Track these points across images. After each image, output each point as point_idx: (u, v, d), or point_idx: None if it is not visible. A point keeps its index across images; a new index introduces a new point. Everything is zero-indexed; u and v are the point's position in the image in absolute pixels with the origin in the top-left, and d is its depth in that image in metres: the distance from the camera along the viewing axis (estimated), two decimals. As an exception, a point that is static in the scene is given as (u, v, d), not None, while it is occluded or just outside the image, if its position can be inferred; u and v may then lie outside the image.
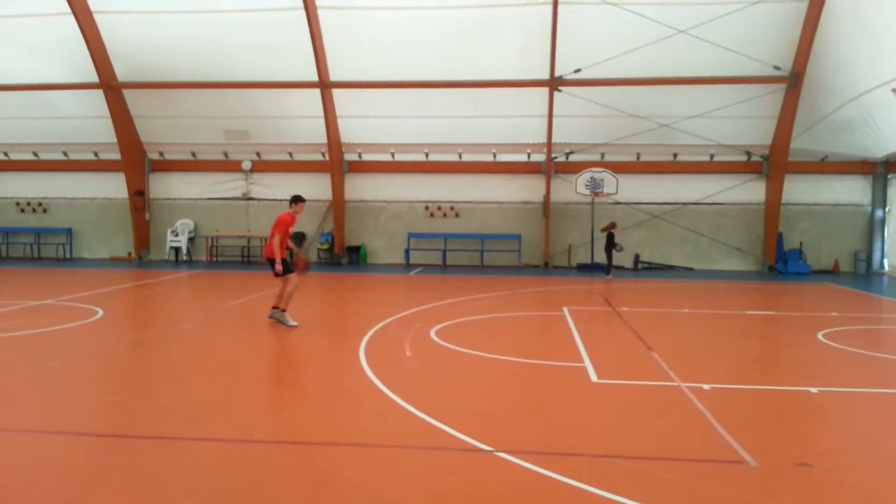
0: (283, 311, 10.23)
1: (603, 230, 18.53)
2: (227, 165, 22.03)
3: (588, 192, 19.86)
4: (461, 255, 21.58)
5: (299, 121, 20.88)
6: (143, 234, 22.37)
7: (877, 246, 20.08)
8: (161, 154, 22.30)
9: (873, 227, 20.12)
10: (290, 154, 21.87)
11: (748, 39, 17.60)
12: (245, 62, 19.52)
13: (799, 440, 5.53)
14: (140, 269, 19.54)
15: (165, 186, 22.47)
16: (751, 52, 17.70)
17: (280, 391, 6.85)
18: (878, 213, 19.99)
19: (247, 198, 22.20)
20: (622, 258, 20.46)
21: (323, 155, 21.51)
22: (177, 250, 21.92)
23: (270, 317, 10.31)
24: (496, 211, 21.61)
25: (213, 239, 22.08)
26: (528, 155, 21.07)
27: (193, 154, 22.16)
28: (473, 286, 15.90)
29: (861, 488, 4.58)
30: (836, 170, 20.12)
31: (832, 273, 19.83)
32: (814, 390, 6.92)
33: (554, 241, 21.13)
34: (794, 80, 18.21)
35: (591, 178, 19.81)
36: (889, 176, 19.77)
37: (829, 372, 7.98)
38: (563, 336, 9.82)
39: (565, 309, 12.26)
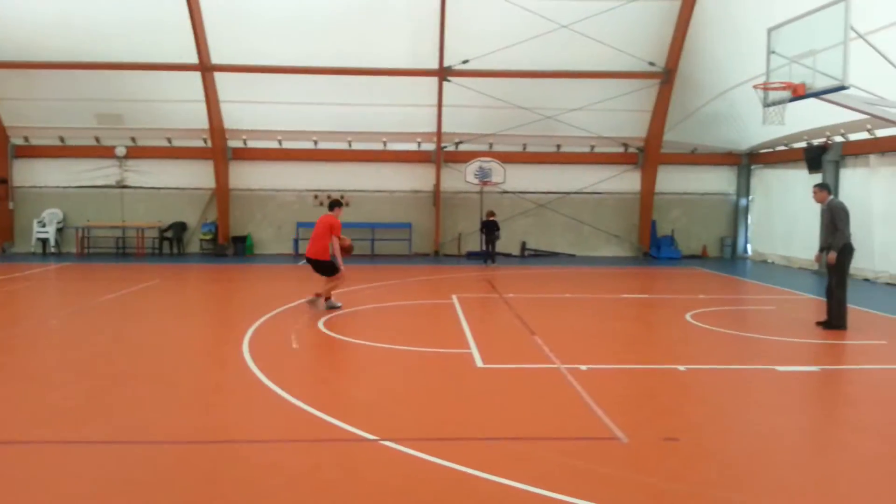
0: (327, 298, 10.75)
1: (489, 218, 18.95)
2: (100, 151, 20.66)
3: (477, 182, 20.21)
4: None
5: (179, 105, 19.88)
6: (7, 225, 20.61)
7: (741, 232, 21.72)
8: (26, 139, 20.58)
9: (738, 215, 21.73)
10: (169, 140, 20.81)
11: (626, 36, 18.44)
12: (119, 42, 18.31)
13: (667, 416, 5.91)
14: (3, 263, 18.01)
15: (31, 174, 20.77)
16: (628, 48, 18.57)
17: (157, 389, 6.55)
18: (743, 201, 21.62)
19: (121, 186, 20.95)
20: (509, 246, 21.02)
21: (205, 141, 20.62)
22: (44, 242, 20.36)
23: (328, 307, 10.73)
24: (387, 200, 21.57)
25: (84, 230, 20.68)
26: (419, 144, 21.16)
27: (62, 139, 20.60)
28: (364, 275, 15.82)
29: (722, 458, 4.96)
30: (705, 161, 21.55)
31: (701, 258, 21.27)
32: (681, 368, 7.43)
33: (444, 230, 21.37)
34: (666, 76, 19.30)
35: (480, 167, 20.16)
36: (752, 167, 21.40)
37: (695, 351, 8.59)
38: (452, 323, 9.99)
39: (454, 297, 12.46)
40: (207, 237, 20.89)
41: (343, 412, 5.69)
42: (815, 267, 16.79)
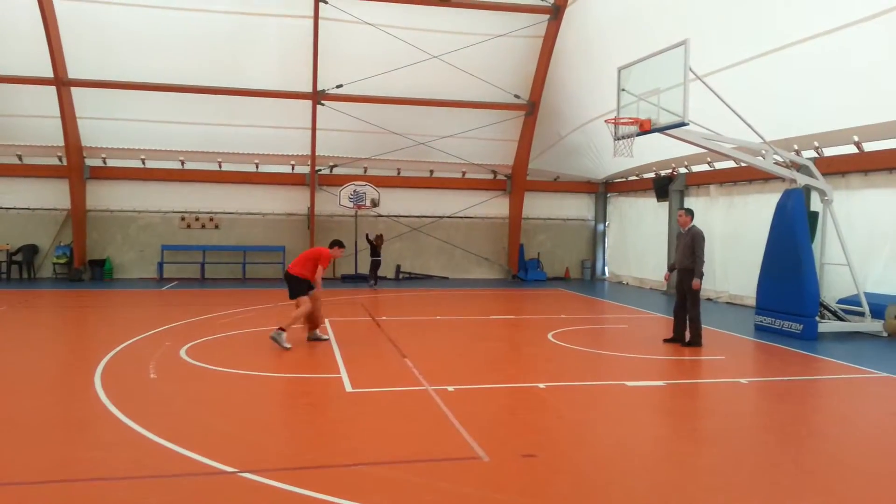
0: (281, 330, 9.98)
1: (376, 241, 19.05)
2: (-63, 169, 18.88)
3: (352, 205, 20.25)
4: (221, 268, 20.72)
5: (31, 120, 18.63)
6: None
7: (599, 255, 23.13)
8: None
9: (596, 239, 23.14)
10: (20, 157, 19.34)
11: (493, 69, 19.31)
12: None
13: (527, 433, 6.20)
14: None
15: None
16: (495, 80, 19.43)
17: (-4, 428, 6.07)
18: (600, 226, 23.06)
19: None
20: (384, 269, 21.18)
21: (60, 159, 19.32)
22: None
23: (309, 339, 10.43)
24: (259, 222, 21.12)
25: (-87, 253, 18.69)
26: (293, 167, 20.93)
27: None
28: (233, 300, 15.37)
29: (577, 472, 5.28)
30: (567, 188, 22.85)
31: (564, 279, 22.42)
32: (541, 385, 7.82)
33: (318, 253, 21.15)
34: (531, 108, 20.34)
35: (355, 191, 20.25)
36: (608, 195, 22.91)
37: (554, 368, 9.06)
38: (323, 348, 9.94)
39: (326, 321, 12.38)
40: (62, 261, 19.50)
41: (200, 445, 5.54)
42: (665, 287, 18.21)
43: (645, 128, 11.06)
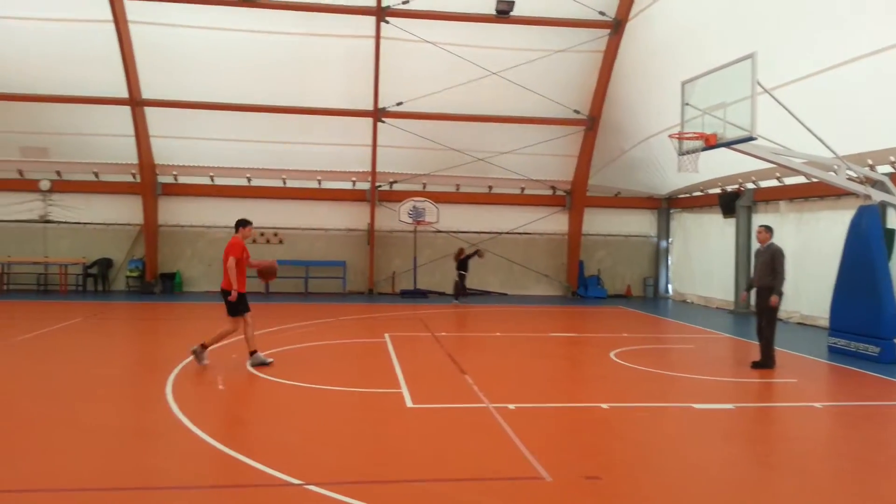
0: (253, 352, 9.49)
1: (467, 257, 19.13)
2: (22, 185, 19.98)
3: (411, 221, 20.45)
4: (285, 283, 21.14)
5: (107, 139, 19.50)
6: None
7: (662, 273, 22.62)
8: (-58, 172, 19.75)
9: (659, 256, 22.65)
10: (97, 174, 20.30)
11: (553, 84, 19.24)
12: (46, 73, 17.95)
13: (590, 454, 6.10)
14: None
15: (-56, 207, 19.90)
16: (554, 95, 19.35)
17: (73, 434, 6.34)
18: (663, 243, 22.58)
19: (45, 220, 20.22)
20: (443, 285, 21.27)
21: (133, 176, 20.20)
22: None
23: (251, 365, 9.42)
24: (321, 238, 21.53)
25: (3, 266, 19.77)
26: (354, 183, 21.30)
27: (-19, 173, 19.85)
28: (297, 314, 15.68)
29: (641, 495, 5.15)
30: (628, 204, 22.49)
31: (625, 297, 22.01)
32: (604, 406, 7.69)
33: (378, 268, 21.44)
34: (591, 123, 20.16)
35: (414, 207, 20.45)
36: (671, 211, 22.43)
37: (617, 388, 8.89)
38: (383, 362, 10.03)
39: (387, 335, 12.51)
40: (134, 274, 20.31)
41: (268, 456, 5.65)
42: (732, 307, 17.67)
43: (711, 142, 10.82)
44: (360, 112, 19.58)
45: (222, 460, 5.63)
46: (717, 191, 18.73)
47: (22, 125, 18.94)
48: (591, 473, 5.51)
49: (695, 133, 11.22)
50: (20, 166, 19.91)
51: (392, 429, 6.77)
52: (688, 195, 20.99)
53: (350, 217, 21.48)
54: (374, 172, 20.74)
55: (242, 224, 9.85)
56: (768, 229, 10.29)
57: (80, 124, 19.16)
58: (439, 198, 20.99)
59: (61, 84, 18.19)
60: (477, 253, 19.35)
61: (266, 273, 10.25)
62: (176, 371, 8.98)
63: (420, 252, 21.25)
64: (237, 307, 9.51)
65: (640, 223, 22.74)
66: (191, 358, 9.51)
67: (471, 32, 18.23)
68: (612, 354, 10.95)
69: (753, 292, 10.35)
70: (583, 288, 21.75)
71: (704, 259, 20.05)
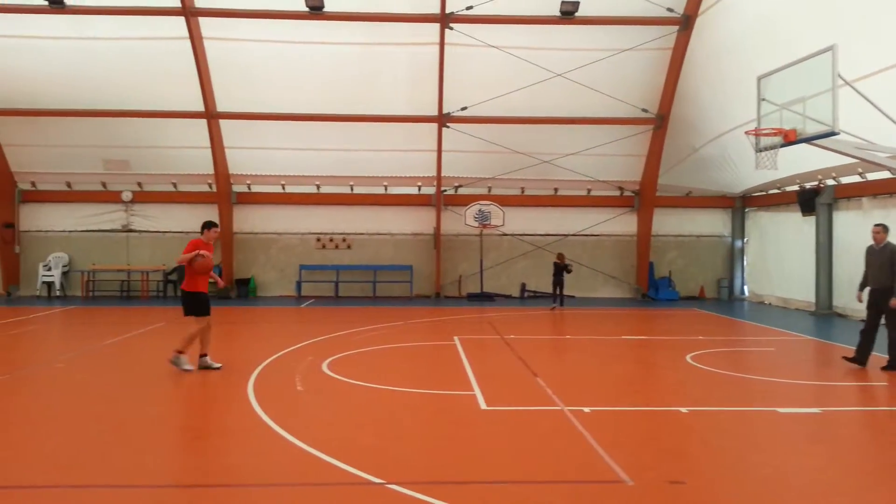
0: (181, 353, 9.44)
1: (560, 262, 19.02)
2: (106, 196, 21.01)
3: (476, 224, 20.49)
4: (354, 287, 21.56)
5: (184, 151, 20.30)
6: (13, 269, 20.82)
7: (737, 273, 21.90)
8: (33, 184, 20.95)
9: (734, 257, 21.95)
10: (175, 185, 21.17)
11: (619, 83, 18.93)
12: (126, 90, 18.82)
13: (672, 458, 5.97)
14: (9, 306, 18.15)
15: (37, 218, 21.09)
16: (621, 95, 19.05)
17: (163, 433, 6.64)
18: (738, 243, 21.86)
19: (127, 230, 21.22)
20: (509, 287, 21.21)
21: (210, 186, 20.97)
22: (49, 285, 20.53)
23: (200, 367, 9.51)
24: (388, 242, 21.81)
25: (89, 273, 20.86)
26: (419, 188, 21.50)
27: (69, 184, 20.97)
28: (366, 317, 15.94)
29: (730, 501, 5.02)
30: (700, 204, 21.88)
31: (698, 299, 21.41)
32: (683, 410, 7.52)
33: (445, 272, 21.56)
34: (659, 122, 19.75)
35: (480, 210, 20.48)
36: (746, 209, 21.71)
37: (696, 392, 8.68)
38: (454, 365, 10.08)
39: (456, 338, 12.57)
40: (212, 280, 21.00)
41: (348, 455, 5.77)
42: (813, 308, 16.97)
43: (790, 138, 10.46)
44: (425, 118, 19.77)
45: (304, 459, 5.78)
46: (796, 188, 18.03)
47: (105, 139, 19.92)
48: (675, 478, 5.40)
49: (773, 129, 10.87)
50: (104, 179, 20.95)
51: (467, 430, 6.80)
52: (763, 193, 20.27)
53: (416, 222, 21.68)
54: (439, 177, 20.89)
55: (207, 226, 9.91)
56: (885, 229, 9.85)
57: (159, 137, 20.02)
58: (505, 201, 20.95)
59: (141, 99, 19.05)
60: (567, 268, 18.93)
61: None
62: (256, 373, 9.27)
63: (486, 255, 21.25)
64: (200, 307, 9.47)
65: (713, 223, 22.09)
66: (270, 360, 9.81)
67: (535, 35, 18.17)
68: (687, 357, 10.68)
69: (866, 292, 9.89)
70: (653, 290, 21.29)
71: (782, 259, 19.32)
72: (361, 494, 5.07)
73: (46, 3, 16.96)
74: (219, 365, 9.60)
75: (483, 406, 7.60)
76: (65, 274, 20.82)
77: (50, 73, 18.43)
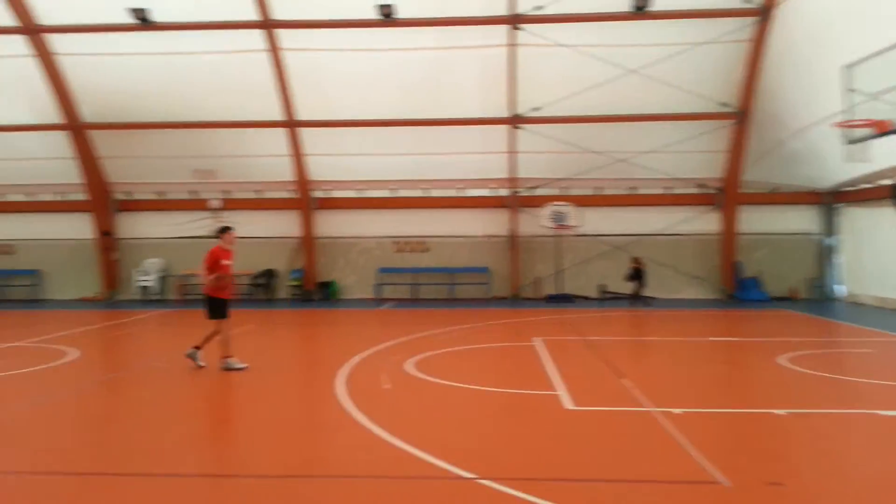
0: (228, 357, 9.88)
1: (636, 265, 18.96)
2: (195, 204, 21.98)
3: (552, 226, 20.36)
4: (431, 289, 21.79)
5: (267, 159, 21.03)
6: (112, 274, 22.11)
7: (830, 272, 20.88)
8: (128, 194, 22.20)
9: (825, 255, 20.95)
10: (259, 192, 21.97)
11: (696, 78, 18.45)
12: (212, 102, 19.69)
13: (769, 460, 5.82)
14: (109, 310, 19.30)
15: (133, 226, 22.31)
16: (699, 89, 18.56)
17: (258, 427, 6.94)
18: (829, 240, 20.86)
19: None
20: (587, 289, 20.96)
21: (291, 193, 21.66)
22: (145, 290, 21.69)
23: (224, 368, 9.83)
24: (464, 245, 21.94)
25: (182, 277, 21.93)
26: (494, 190, 21.54)
27: (161, 193, 22.11)
28: (445, 319, 16.11)
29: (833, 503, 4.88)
30: (787, 200, 20.98)
31: (789, 300, 20.54)
32: (780, 412, 7.28)
33: (522, 274, 21.51)
34: (740, 116, 19.11)
35: (555, 211, 20.35)
36: (837, 205, 20.68)
37: (792, 394, 8.39)
38: (536, 365, 10.08)
39: (536, 339, 12.55)
40: (296, 283, 21.75)
41: (439, 451, 5.88)
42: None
43: (883, 129, 10.00)
44: (497, 120, 19.80)
45: (396, 453, 5.94)
46: (888, 182, 17.08)
47: (194, 150, 20.89)
48: (774, 479, 5.27)
49: (864, 120, 10.41)
50: (193, 188, 21.97)
51: (554, 429, 6.81)
52: (854, 188, 19.30)
53: (492, 224, 21.72)
54: (513, 179, 20.87)
55: (224, 230, 10.16)
56: None
57: (244, 147, 20.84)
58: (580, 201, 20.73)
59: (226, 111, 19.87)
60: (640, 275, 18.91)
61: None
62: (343, 371, 9.55)
63: (563, 256, 21.09)
64: (218, 311, 9.86)
65: (801, 220, 21.15)
66: (356, 359, 10.08)
67: (606, 31, 17.92)
68: (779, 359, 10.32)
69: None
70: (740, 290, 20.56)
71: (879, 257, 18.31)
72: (454, 488, 5.17)
73: (137, 22, 17.97)
74: (204, 364, 9.91)
75: (568, 406, 7.59)
76: (162, 279, 21.96)
77: (141, 88, 19.47)
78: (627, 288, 19.26)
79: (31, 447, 6.31)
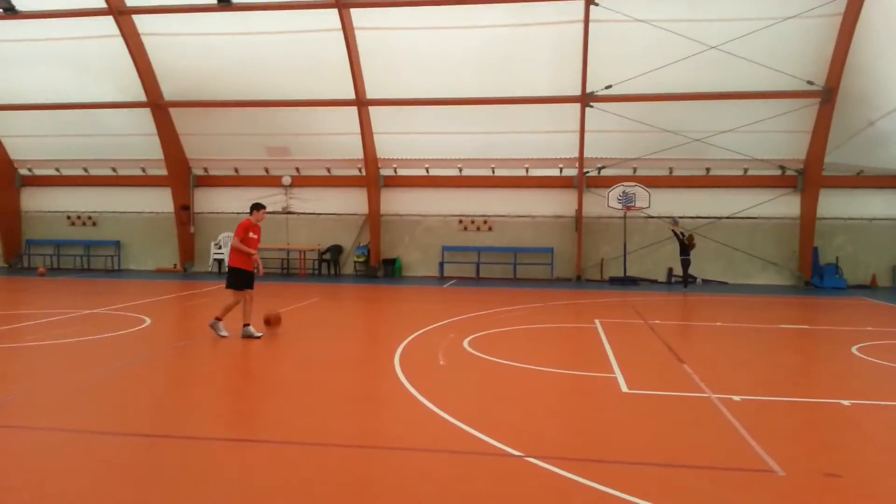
0: (246, 324, 10.29)
1: (688, 241, 18.56)
2: (268, 181, 22.68)
3: (620, 207, 19.96)
4: (494, 269, 21.82)
5: (337, 137, 21.42)
6: (188, 247, 23.12)
7: (915, 260, 19.74)
8: (205, 170, 23.08)
9: (912, 242, 19.80)
10: (329, 170, 22.42)
11: (780, 54, 17.62)
12: (286, 81, 20.17)
13: (829, 451, 5.62)
14: (185, 281, 20.19)
15: (209, 201, 23.24)
16: (783, 67, 17.70)
17: (317, 397, 7.16)
18: (917, 227, 19.68)
19: (286, 212, 22.81)
20: (656, 272, 20.52)
21: (360, 170, 22.01)
22: (220, 262, 22.58)
23: (243, 336, 10.26)
24: (529, 225, 21.82)
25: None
26: (561, 170, 21.27)
27: (236, 170, 22.88)
28: (506, 298, 16.11)
29: (891, 499, 4.67)
30: (872, 184, 19.89)
31: (869, 288, 19.54)
32: (845, 402, 6.99)
33: (586, 255, 21.24)
34: (827, 95, 18.14)
35: (624, 192, 19.94)
36: (928, 190, 19.46)
37: (861, 385, 8.02)
38: (595, 347, 9.98)
39: (597, 321, 12.41)
40: (361, 259, 22.17)
41: (489, 427, 5.94)
42: None
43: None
44: (568, 98, 19.49)
45: (448, 428, 6.02)
46: None
47: (267, 128, 21.51)
48: (831, 471, 5.08)
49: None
50: (267, 164, 22.62)
51: (608, 412, 6.75)
52: (949, 171, 18.09)
53: (558, 204, 21.50)
54: (581, 158, 20.54)
55: (256, 207, 10.51)
56: None
57: (315, 125, 21.29)
58: (651, 182, 20.24)
59: (299, 89, 20.34)
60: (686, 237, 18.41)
61: (271, 321, 10.81)
62: (402, 346, 9.72)
63: (630, 238, 20.69)
64: (239, 282, 10.25)
65: (888, 205, 20.01)
66: (413, 336, 10.22)
67: (687, 5, 17.37)
68: (853, 349, 9.86)
69: None
70: (818, 277, 19.69)
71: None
72: (500, 465, 5.21)
73: (216, 1, 18.51)
74: (259, 334, 10.31)
75: (624, 389, 7.49)
76: (234, 251, 22.78)
77: (218, 67, 20.15)
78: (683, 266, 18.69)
79: (103, 409, 6.72)
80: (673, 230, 19.14)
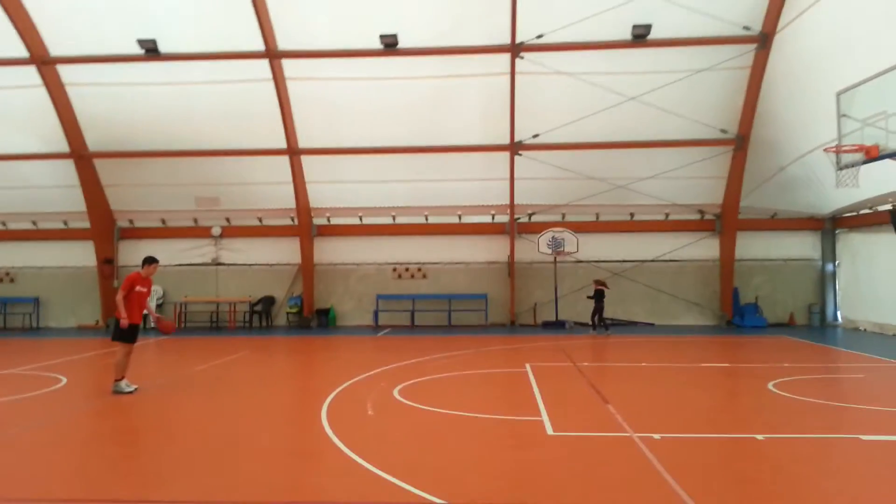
0: (119, 380, 10.04)
1: (598, 286, 18.90)
2: (197, 232, 22.24)
3: (550, 252, 20.42)
4: (429, 316, 21.84)
5: (269, 187, 21.30)
6: (112, 303, 22.24)
7: (829, 299, 20.79)
8: (131, 222, 22.48)
9: (825, 281, 20.88)
10: (260, 219, 22.19)
11: (694, 104, 18.65)
12: (216, 131, 20.02)
13: (742, 485, 5.79)
14: (107, 337, 19.33)
15: (134, 254, 22.48)
16: (697, 116, 18.71)
17: (241, 452, 6.96)
18: (829, 266, 20.80)
19: (216, 263, 22.36)
20: (585, 315, 20.94)
21: (292, 219, 21.86)
22: (145, 317, 21.77)
23: (114, 391, 10.02)
24: (462, 271, 22.02)
25: (181, 305, 22.05)
26: (493, 216, 21.67)
27: (164, 221, 22.38)
28: (440, 345, 16.11)
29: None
30: (786, 226, 21.02)
31: (788, 326, 20.43)
32: (759, 437, 7.24)
33: (519, 300, 21.53)
34: (740, 143, 19.22)
35: (553, 237, 20.43)
36: (837, 231, 20.67)
37: (775, 419, 8.33)
38: (524, 391, 10.07)
39: (528, 365, 12.54)
40: (294, 310, 21.82)
41: (414, 477, 5.89)
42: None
43: (872, 154, 10.10)
44: (497, 147, 20.01)
45: (371, 479, 5.94)
46: (889, 207, 17.08)
47: (197, 178, 21.20)
48: (743, 505, 5.24)
49: (854, 146, 10.48)
50: (196, 215, 22.23)
51: (532, 455, 6.80)
52: (854, 213, 19.31)
53: (490, 250, 21.83)
54: (512, 205, 21.01)
55: (149, 261, 10.40)
56: None
57: (246, 174, 21.13)
58: (579, 227, 20.83)
59: (230, 139, 20.22)
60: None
61: (163, 327, 10.79)
62: (330, 398, 9.57)
63: (561, 282, 21.14)
64: (124, 335, 10.01)
65: (802, 246, 21.15)
66: (344, 386, 10.09)
67: (607, 59, 18.19)
68: (770, 385, 10.26)
69: None
70: (738, 317, 20.50)
71: (878, 282, 18.27)
72: (421, 514, 5.17)
73: (143, 52, 18.36)
74: (131, 389, 10.06)
75: (550, 431, 7.57)
76: (159, 306, 22.08)
77: (146, 117, 19.87)
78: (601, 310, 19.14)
79: (19, 473, 6.36)
80: (599, 288, 19.35)
